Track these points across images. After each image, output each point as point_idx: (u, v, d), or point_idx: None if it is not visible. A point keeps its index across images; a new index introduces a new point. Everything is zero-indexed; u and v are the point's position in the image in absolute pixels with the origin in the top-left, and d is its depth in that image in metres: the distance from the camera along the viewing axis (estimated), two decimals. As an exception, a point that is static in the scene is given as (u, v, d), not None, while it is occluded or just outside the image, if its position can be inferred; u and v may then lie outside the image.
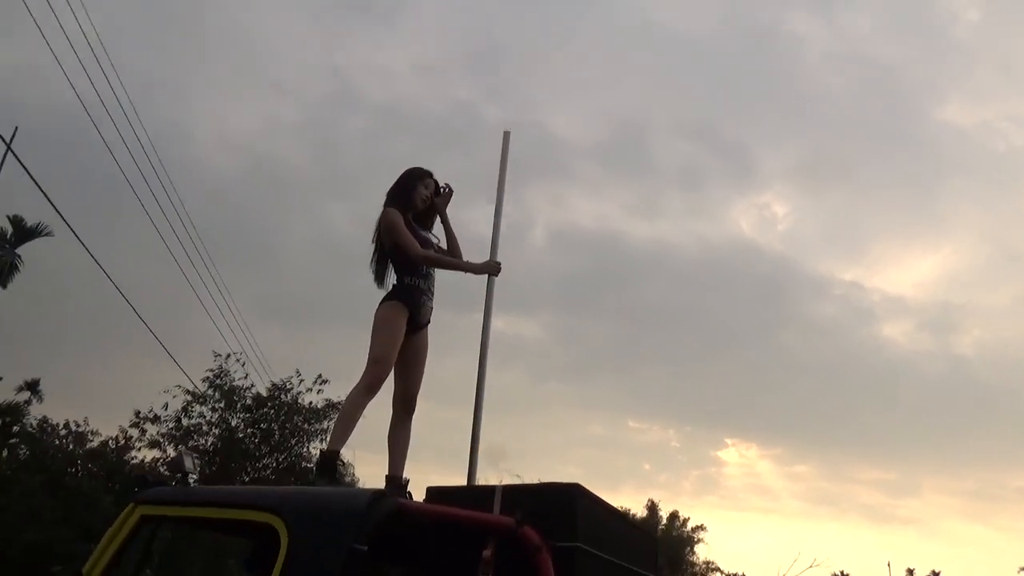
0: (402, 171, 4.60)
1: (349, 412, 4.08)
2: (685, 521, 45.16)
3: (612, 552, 3.26)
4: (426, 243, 4.39)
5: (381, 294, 4.35)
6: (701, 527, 45.28)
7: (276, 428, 20.27)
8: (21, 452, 20.15)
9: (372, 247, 4.54)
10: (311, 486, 3.59)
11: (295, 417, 20.61)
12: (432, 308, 4.36)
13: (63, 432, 21.16)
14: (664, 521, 43.96)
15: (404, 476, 4.04)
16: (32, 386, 26.32)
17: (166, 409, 19.98)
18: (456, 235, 4.65)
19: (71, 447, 20.79)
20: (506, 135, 4.69)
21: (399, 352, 4.17)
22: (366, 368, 4.08)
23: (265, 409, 20.41)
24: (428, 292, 4.33)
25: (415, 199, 4.48)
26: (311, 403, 21.42)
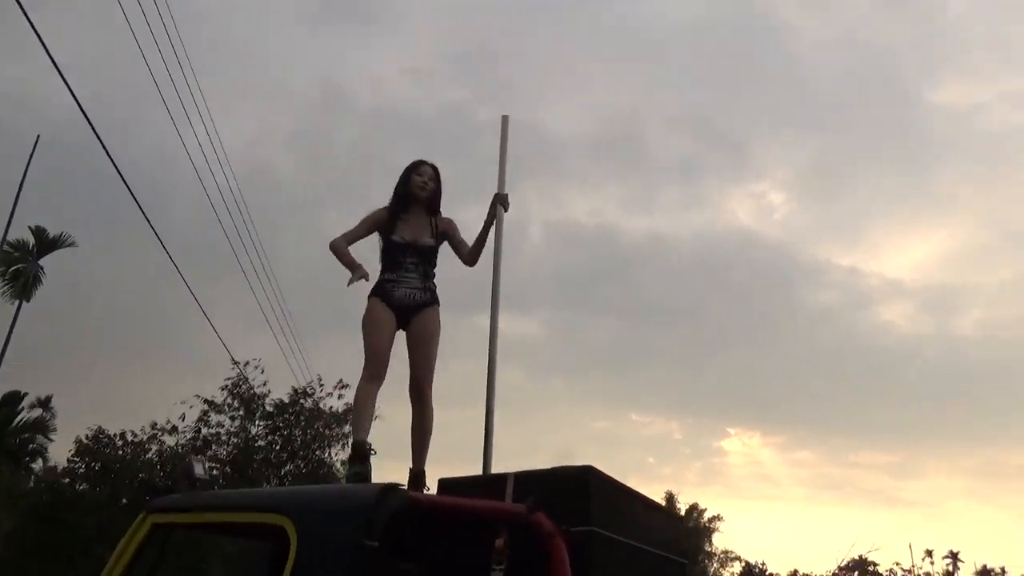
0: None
1: (359, 401, 4.21)
2: (702, 512, 45.11)
3: (631, 535, 3.19)
4: (395, 246, 4.38)
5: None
6: (718, 517, 45.27)
7: (298, 434, 20.26)
8: (77, 466, 20.10)
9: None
10: (323, 484, 3.56)
11: (316, 423, 20.63)
12: (412, 292, 4.30)
13: (119, 443, 21.10)
14: (683, 513, 43.95)
15: (422, 469, 3.99)
16: (44, 403, 26.34)
17: (183, 420, 20.04)
18: (482, 238, 4.60)
19: (129, 457, 20.74)
20: (504, 119, 4.72)
21: (407, 341, 4.22)
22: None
23: (287, 415, 20.41)
24: (398, 281, 4.30)
25: (410, 189, 4.49)
26: (332, 408, 21.48)
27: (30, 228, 25.03)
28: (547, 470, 3.06)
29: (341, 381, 21.31)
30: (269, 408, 20.36)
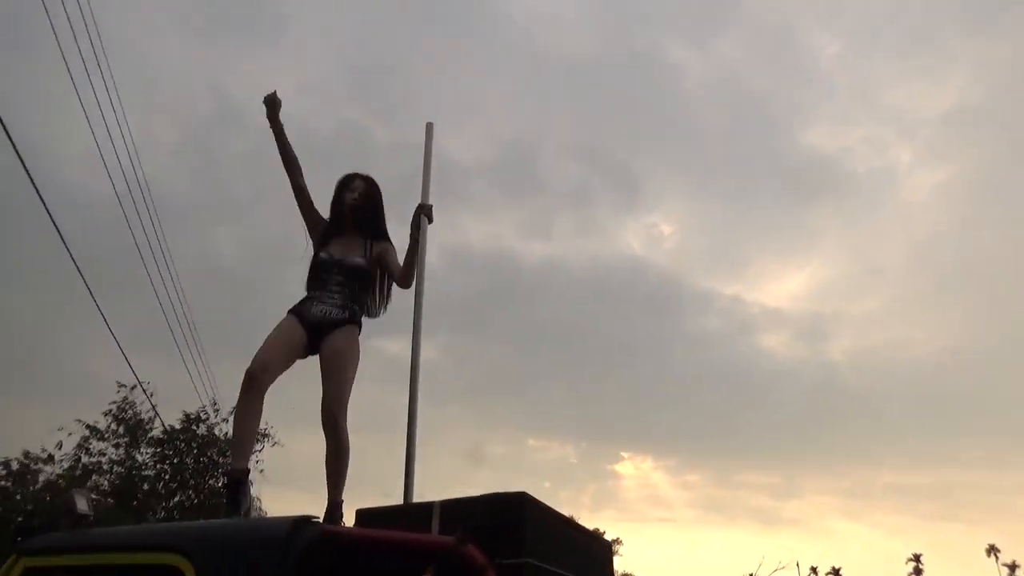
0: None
1: (235, 418, 3.67)
2: (602, 535, 45.83)
3: (565, 564, 3.00)
4: (320, 263, 4.09)
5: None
6: (617, 541, 45.84)
7: (189, 462, 19.22)
8: None
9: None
10: (219, 517, 3.21)
11: (209, 450, 19.63)
12: (328, 310, 3.94)
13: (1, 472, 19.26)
14: None
15: (338, 500, 3.65)
16: None
17: (60, 448, 18.64)
18: (411, 254, 4.25)
19: (11, 487, 18.94)
20: (429, 126, 4.57)
21: (320, 364, 3.84)
22: None
23: (177, 442, 19.34)
24: (317, 298, 3.97)
25: (341, 197, 4.24)
26: (227, 434, 20.51)
27: None
28: (477, 497, 2.84)
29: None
30: (158, 435, 19.25)
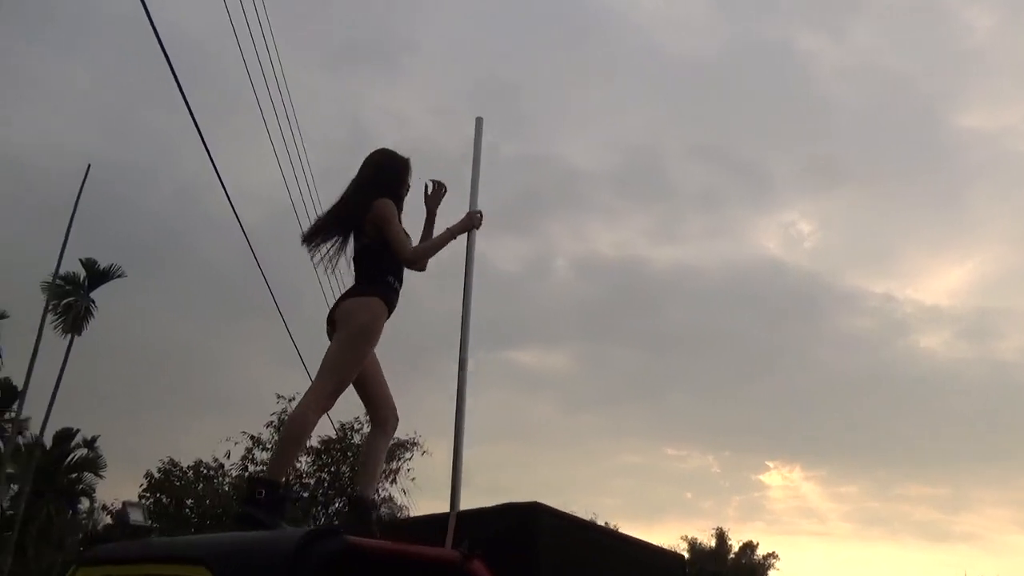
0: (376, 154, 4.15)
1: (298, 436, 3.72)
2: (755, 547, 43.54)
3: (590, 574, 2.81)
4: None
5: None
6: (773, 555, 43.55)
7: (346, 470, 20.11)
8: (148, 501, 20.02)
9: (343, 234, 4.05)
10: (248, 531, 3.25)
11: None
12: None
13: (190, 475, 20.82)
14: (735, 550, 42.57)
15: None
16: (90, 443, 26.30)
17: (228, 457, 19.98)
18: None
19: (202, 490, 20.55)
20: (478, 121, 4.44)
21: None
22: (325, 377, 3.56)
23: (334, 451, 20.26)
24: (398, 292, 3.90)
25: (402, 193, 4.10)
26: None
27: (80, 260, 24.67)
28: (491, 508, 2.72)
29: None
30: (316, 444, 20.27)
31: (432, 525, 3.02)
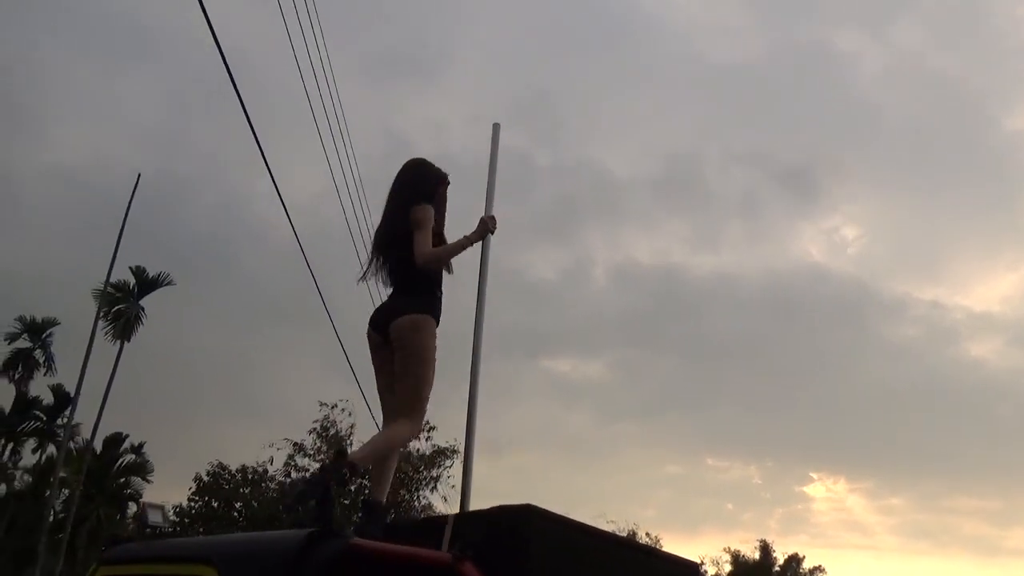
0: (412, 161, 4.14)
1: (386, 452, 3.72)
2: (801, 561, 42.52)
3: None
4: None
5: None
6: (819, 568, 42.51)
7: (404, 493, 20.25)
8: (197, 504, 20.38)
9: (382, 246, 4.03)
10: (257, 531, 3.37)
11: (404, 465, 20.59)
12: None
13: (239, 478, 21.09)
14: (780, 563, 41.69)
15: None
16: (137, 449, 26.99)
17: (272, 463, 20.31)
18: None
19: (249, 493, 20.89)
20: (495, 127, 4.52)
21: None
22: (413, 403, 3.64)
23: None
24: (441, 299, 3.93)
25: (436, 202, 4.04)
26: (418, 450, 21.46)
27: (130, 268, 25.20)
28: (487, 511, 2.77)
29: (428, 423, 21.35)
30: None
31: (435, 527, 3.09)
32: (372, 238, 4.23)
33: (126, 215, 21.03)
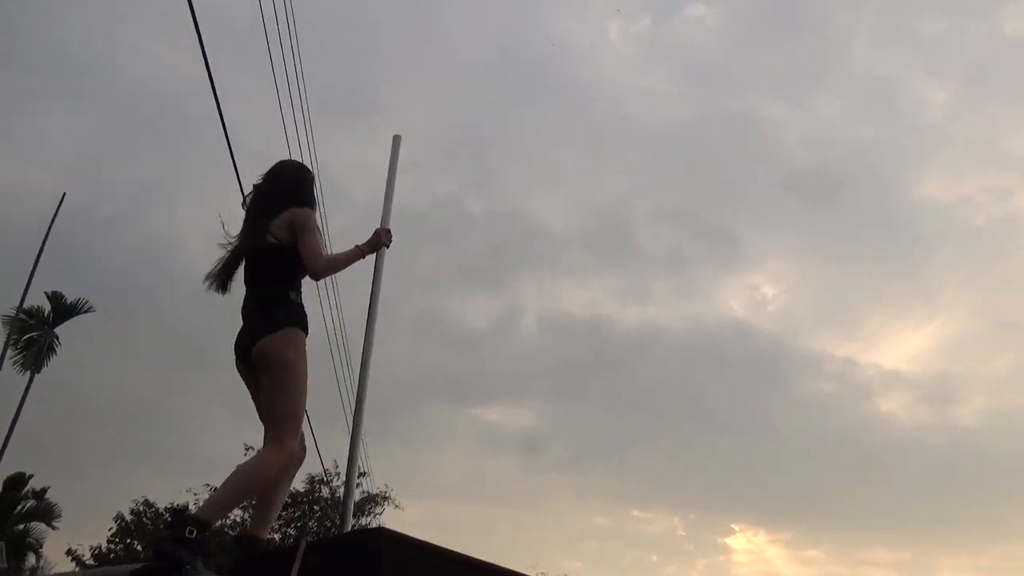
0: (280, 165, 3.85)
1: (264, 480, 3.18)
2: None
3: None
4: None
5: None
6: None
7: (313, 526, 19.65)
8: (117, 548, 19.15)
9: (232, 242, 3.71)
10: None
11: (334, 513, 20.00)
12: None
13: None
14: None
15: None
16: (39, 495, 24.81)
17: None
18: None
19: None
20: (396, 139, 4.52)
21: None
22: (281, 426, 3.18)
23: (302, 504, 19.82)
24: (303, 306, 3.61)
25: (313, 204, 3.73)
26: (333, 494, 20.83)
27: (46, 294, 23.42)
28: (342, 536, 2.64)
29: (361, 468, 20.84)
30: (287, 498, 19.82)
31: (281, 556, 2.93)
32: (227, 244, 3.79)
33: (46, 236, 19.64)
